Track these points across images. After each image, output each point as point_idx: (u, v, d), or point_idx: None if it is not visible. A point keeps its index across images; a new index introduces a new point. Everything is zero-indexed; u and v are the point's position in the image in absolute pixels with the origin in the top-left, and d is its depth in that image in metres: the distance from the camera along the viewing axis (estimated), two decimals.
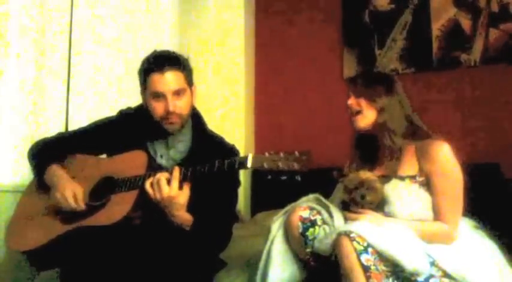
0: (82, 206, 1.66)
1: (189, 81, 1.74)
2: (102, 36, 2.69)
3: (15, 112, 2.31)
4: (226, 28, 3.36)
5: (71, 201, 1.65)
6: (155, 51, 1.75)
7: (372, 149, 1.80)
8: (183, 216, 1.59)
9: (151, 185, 1.57)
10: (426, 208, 1.63)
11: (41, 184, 1.80)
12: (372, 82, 1.77)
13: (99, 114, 2.27)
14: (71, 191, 1.66)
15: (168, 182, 1.55)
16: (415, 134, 1.72)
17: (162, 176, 1.56)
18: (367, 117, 1.74)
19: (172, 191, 1.54)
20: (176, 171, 1.56)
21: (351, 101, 1.76)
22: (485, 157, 2.53)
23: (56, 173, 1.75)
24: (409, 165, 1.68)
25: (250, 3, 3.46)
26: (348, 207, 1.67)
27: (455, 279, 1.48)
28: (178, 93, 1.68)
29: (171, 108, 1.67)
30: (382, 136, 1.72)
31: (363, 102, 1.74)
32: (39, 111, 2.38)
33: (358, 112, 1.74)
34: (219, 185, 1.63)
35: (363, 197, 1.62)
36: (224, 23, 3.36)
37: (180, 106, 1.69)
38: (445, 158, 1.63)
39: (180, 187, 1.56)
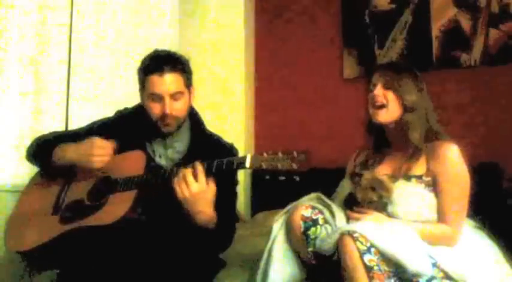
0: (113, 144, 1.67)
1: (188, 84, 1.73)
2: (102, 36, 2.69)
3: (15, 112, 2.31)
4: (226, 28, 3.35)
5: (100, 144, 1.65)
6: (156, 50, 1.74)
7: (382, 142, 1.77)
8: (209, 213, 1.55)
9: (178, 182, 1.52)
10: (430, 210, 1.61)
11: (48, 171, 1.78)
12: (403, 75, 1.67)
13: (99, 114, 2.26)
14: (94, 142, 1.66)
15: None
16: (428, 135, 1.67)
17: (187, 172, 1.51)
18: (391, 112, 1.66)
19: (202, 185, 1.50)
20: (199, 165, 1.51)
21: (378, 92, 1.66)
22: (485, 157, 2.52)
23: (67, 146, 1.72)
24: (417, 165, 1.66)
25: (250, 4, 3.46)
26: (351, 206, 1.67)
27: (456, 280, 1.47)
28: (176, 95, 1.67)
29: (167, 111, 1.66)
30: (402, 133, 1.67)
31: (391, 96, 1.66)
32: (39, 111, 2.38)
33: (382, 106, 1.66)
34: (219, 185, 1.62)
35: (381, 197, 1.60)
36: (224, 24, 3.36)
37: (176, 109, 1.68)
38: (454, 159, 1.61)
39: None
